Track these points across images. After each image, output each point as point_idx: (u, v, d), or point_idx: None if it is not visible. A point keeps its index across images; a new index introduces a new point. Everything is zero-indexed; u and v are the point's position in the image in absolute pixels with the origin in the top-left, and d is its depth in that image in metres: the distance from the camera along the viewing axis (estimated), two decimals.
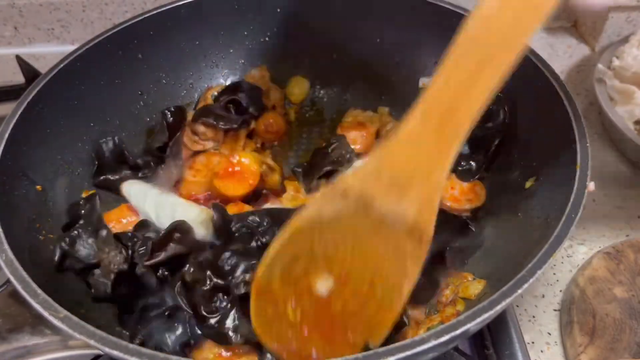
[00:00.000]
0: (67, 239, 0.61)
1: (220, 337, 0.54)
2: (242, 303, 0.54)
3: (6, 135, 0.62)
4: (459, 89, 0.42)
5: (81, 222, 0.63)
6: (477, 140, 0.70)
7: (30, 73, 0.94)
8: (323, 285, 0.47)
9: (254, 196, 0.74)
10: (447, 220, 0.62)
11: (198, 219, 0.63)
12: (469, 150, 0.71)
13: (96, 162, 0.74)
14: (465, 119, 0.42)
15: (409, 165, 0.44)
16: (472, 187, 0.71)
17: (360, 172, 0.45)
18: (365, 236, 0.46)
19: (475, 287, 0.60)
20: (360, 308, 0.47)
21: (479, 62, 0.42)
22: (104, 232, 0.61)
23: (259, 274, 0.48)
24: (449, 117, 0.42)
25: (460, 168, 0.71)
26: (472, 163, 0.71)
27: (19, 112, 0.65)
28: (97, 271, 0.59)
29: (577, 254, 0.74)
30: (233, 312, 0.54)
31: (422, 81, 0.84)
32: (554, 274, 0.72)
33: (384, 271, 0.46)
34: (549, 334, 0.66)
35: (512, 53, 0.41)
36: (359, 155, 0.77)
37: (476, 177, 0.71)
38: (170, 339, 0.55)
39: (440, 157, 0.43)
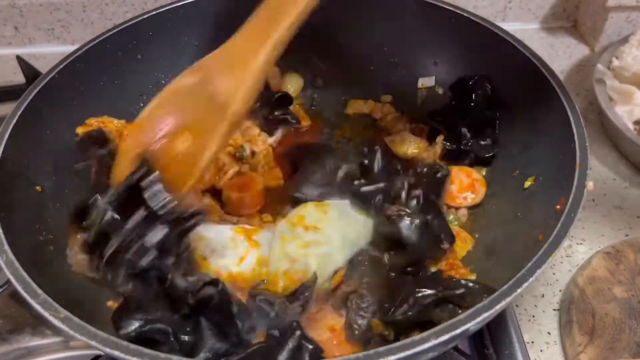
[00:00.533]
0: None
1: None
2: None
3: (6, 135, 0.62)
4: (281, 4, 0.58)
5: None
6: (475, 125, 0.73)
7: (30, 73, 0.94)
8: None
9: None
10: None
11: None
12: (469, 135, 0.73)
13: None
14: (283, 22, 0.57)
15: (238, 51, 0.59)
16: (472, 183, 0.72)
17: (212, 55, 0.60)
18: (200, 105, 0.59)
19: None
20: (191, 154, 0.60)
21: None
22: None
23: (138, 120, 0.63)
24: (272, 20, 0.57)
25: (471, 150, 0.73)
26: (482, 142, 0.73)
27: (19, 112, 0.65)
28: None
29: (577, 253, 0.74)
30: None
31: (421, 81, 0.84)
32: (554, 273, 0.72)
33: (205, 130, 0.59)
34: (549, 333, 0.66)
35: None
36: None
37: (492, 153, 0.73)
38: None
39: (259, 45, 0.57)
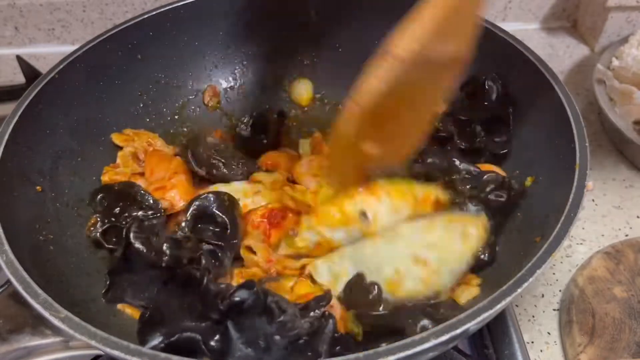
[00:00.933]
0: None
1: None
2: None
3: (6, 136, 0.62)
4: None
5: None
6: (488, 123, 0.72)
7: (30, 73, 0.94)
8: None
9: None
10: None
11: None
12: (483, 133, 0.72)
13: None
14: None
15: (447, 20, 0.53)
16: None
17: (405, 40, 0.54)
18: (431, 73, 0.56)
19: (469, 292, 0.60)
20: (417, 117, 0.61)
21: None
22: None
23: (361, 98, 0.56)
24: None
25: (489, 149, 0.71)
26: (496, 139, 0.72)
27: (19, 112, 0.65)
28: None
29: (577, 253, 0.74)
30: None
31: None
32: (554, 273, 0.72)
33: (436, 90, 0.59)
34: (549, 333, 0.66)
35: None
36: None
37: (507, 149, 0.71)
38: None
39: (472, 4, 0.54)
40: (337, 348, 0.53)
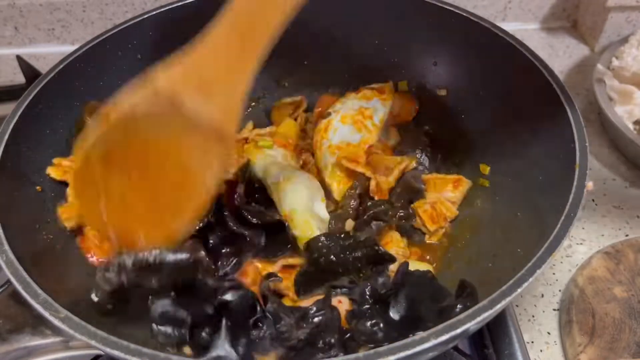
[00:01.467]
0: None
1: None
2: None
3: (6, 136, 0.62)
4: (259, 6, 0.48)
5: None
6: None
7: (30, 73, 0.94)
8: (135, 174, 0.51)
9: None
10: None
11: None
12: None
13: None
14: (264, 35, 0.48)
15: (214, 71, 0.48)
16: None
17: (170, 73, 0.49)
18: (175, 133, 0.49)
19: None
20: (171, 194, 0.52)
21: None
22: None
23: (76, 159, 0.51)
24: (250, 31, 0.48)
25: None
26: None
27: (19, 112, 0.65)
28: None
29: (577, 253, 0.74)
30: None
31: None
32: (554, 273, 0.72)
33: (191, 164, 0.51)
34: (549, 333, 0.66)
35: None
36: None
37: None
38: None
39: (243, 65, 0.48)
40: (347, 336, 0.54)
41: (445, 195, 0.72)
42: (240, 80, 0.49)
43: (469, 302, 0.51)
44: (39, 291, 0.49)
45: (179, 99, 0.47)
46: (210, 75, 0.48)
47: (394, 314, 0.56)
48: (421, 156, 0.77)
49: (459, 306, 0.51)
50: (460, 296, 0.55)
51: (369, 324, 0.54)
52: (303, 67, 0.88)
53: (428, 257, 0.69)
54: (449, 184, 0.73)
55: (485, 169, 0.73)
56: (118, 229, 0.53)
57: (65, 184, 0.68)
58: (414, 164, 0.75)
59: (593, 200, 0.80)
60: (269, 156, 0.75)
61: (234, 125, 0.50)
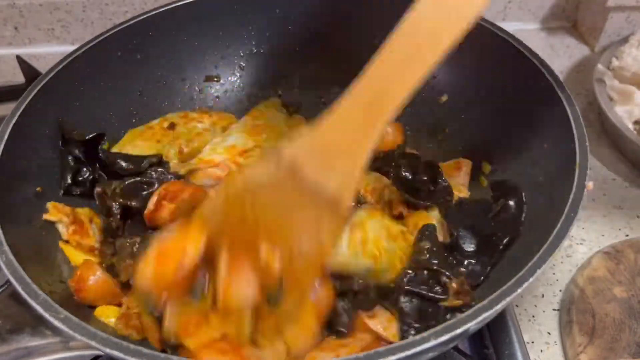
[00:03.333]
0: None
1: None
2: None
3: (6, 136, 0.62)
4: (388, 78, 0.48)
5: None
6: (485, 239, 0.61)
7: (30, 73, 0.94)
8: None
9: None
10: None
11: None
12: (474, 248, 0.62)
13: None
14: (390, 106, 0.47)
15: (337, 141, 0.48)
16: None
17: (294, 142, 0.49)
18: (291, 203, 0.49)
19: None
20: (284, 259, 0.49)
21: (408, 56, 0.48)
22: None
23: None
24: (377, 102, 0.47)
25: (464, 269, 0.60)
26: (477, 266, 0.61)
27: (19, 112, 0.65)
28: None
29: (577, 253, 0.74)
30: None
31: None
32: (554, 273, 0.72)
33: (303, 242, 0.49)
34: (549, 333, 0.66)
35: (438, 51, 0.47)
36: None
37: (482, 278, 0.60)
38: None
39: (365, 136, 0.48)
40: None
41: (451, 180, 0.72)
42: (361, 152, 0.48)
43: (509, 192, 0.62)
44: (39, 291, 0.49)
45: (298, 166, 0.48)
46: (334, 148, 0.48)
47: (468, 248, 0.60)
48: None
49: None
50: (498, 196, 0.64)
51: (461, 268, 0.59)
52: (299, 69, 0.88)
53: None
54: (451, 169, 0.74)
55: (487, 168, 0.73)
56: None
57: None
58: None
59: (593, 200, 0.80)
60: None
61: (349, 194, 0.49)
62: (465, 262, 0.60)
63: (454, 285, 0.56)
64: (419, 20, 0.48)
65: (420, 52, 0.47)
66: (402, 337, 0.53)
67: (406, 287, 0.56)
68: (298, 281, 0.50)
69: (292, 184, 0.48)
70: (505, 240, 0.60)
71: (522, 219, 0.61)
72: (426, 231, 0.61)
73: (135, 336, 0.56)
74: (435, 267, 0.57)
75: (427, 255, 0.58)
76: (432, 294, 0.56)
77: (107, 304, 0.59)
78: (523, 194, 0.62)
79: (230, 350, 0.50)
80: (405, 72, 0.47)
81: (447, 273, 0.57)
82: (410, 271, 0.57)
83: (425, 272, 0.57)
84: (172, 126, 0.77)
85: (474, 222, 0.63)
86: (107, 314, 0.58)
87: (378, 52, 0.49)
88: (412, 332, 0.54)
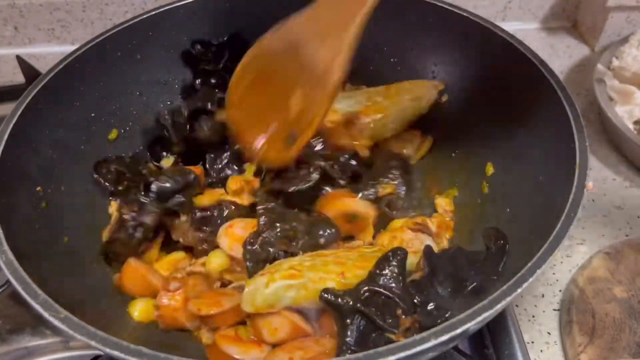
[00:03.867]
0: None
1: None
2: None
3: (6, 135, 0.62)
4: None
5: None
6: (459, 285, 0.57)
7: (30, 73, 0.94)
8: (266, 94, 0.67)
9: None
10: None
11: None
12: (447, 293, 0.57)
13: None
14: None
15: (329, 20, 0.59)
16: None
17: (297, 21, 0.62)
18: (298, 66, 0.62)
19: None
20: (288, 115, 0.65)
21: None
22: None
23: (234, 75, 0.68)
24: None
25: (422, 308, 0.55)
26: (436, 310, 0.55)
27: (19, 112, 0.65)
28: None
29: (577, 253, 0.74)
30: None
31: None
32: (554, 273, 0.72)
33: (303, 94, 0.63)
34: (549, 333, 0.66)
35: None
36: None
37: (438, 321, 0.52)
38: None
39: (352, 17, 0.58)
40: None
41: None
42: (348, 27, 0.58)
43: (502, 241, 0.59)
44: (39, 291, 0.49)
45: (302, 41, 0.61)
46: (325, 24, 0.59)
47: (442, 292, 0.57)
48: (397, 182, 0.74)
49: (494, 248, 0.59)
50: (491, 246, 0.60)
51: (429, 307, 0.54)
52: None
53: None
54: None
55: (489, 170, 0.73)
56: (247, 130, 0.69)
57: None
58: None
59: (593, 200, 0.80)
60: None
61: (340, 64, 0.59)
62: (430, 304, 0.54)
63: (407, 321, 0.53)
64: None
65: None
66: (337, 355, 0.53)
67: (358, 306, 0.52)
68: (304, 126, 0.65)
69: (296, 55, 0.61)
70: (472, 285, 0.55)
71: (500, 268, 0.57)
72: (398, 253, 0.57)
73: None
74: (392, 295, 0.53)
75: (389, 279, 0.55)
76: (382, 323, 0.52)
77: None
78: (507, 246, 0.59)
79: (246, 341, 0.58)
80: None
81: (404, 306, 0.53)
82: (367, 289, 0.54)
83: (382, 297, 0.53)
84: None
85: (456, 270, 0.58)
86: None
87: None
88: (348, 353, 0.51)
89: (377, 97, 0.80)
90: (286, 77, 0.63)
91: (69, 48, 0.77)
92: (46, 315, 0.47)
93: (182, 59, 0.83)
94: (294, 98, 0.63)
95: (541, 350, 0.65)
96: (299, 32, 0.61)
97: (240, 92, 0.68)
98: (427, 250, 0.59)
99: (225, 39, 0.83)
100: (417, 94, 0.79)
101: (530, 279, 0.47)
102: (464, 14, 0.76)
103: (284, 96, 0.64)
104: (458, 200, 0.74)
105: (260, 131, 0.67)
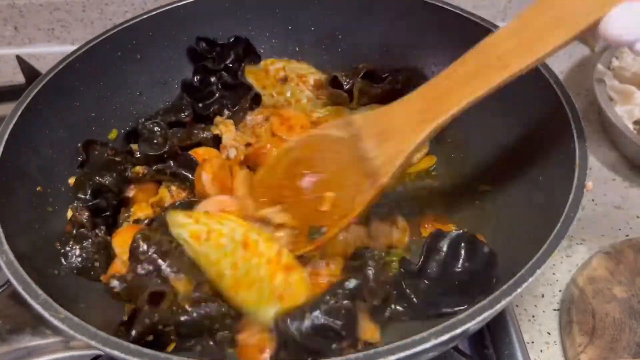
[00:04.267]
0: None
1: None
2: None
3: (6, 136, 0.62)
4: (453, 85, 0.54)
5: None
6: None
7: (30, 73, 0.94)
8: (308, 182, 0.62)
9: None
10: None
11: None
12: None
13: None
14: (445, 112, 0.53)
15: (394, 125, 0.56)
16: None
17: (365, 115, 0.59)
18: (345, 162, 0.59)
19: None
20: (324, 205, 0.61)
21: (476, 70, 0.53)
22: None
23: (268, 161, 0.65)
24: (436, 105, 0.54)
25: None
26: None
27: (19, 112, 0.65)
28: None
29: (577, 253, 0.74)
30: None
31: None
32: (554, 273, 0.72)
33: (345, 188, 0.59)
34: (549, 333, 0.66)
35: (504, 74, 0.52)
36: None
37: None
38: None
39: (417, 129, 0.54)
40: None
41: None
42: (409, 142, 0.55)
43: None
44: (39, 291, 0.49)
45: (361, 136, 0.57)
46: (390, 131, 0.56)
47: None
48: None
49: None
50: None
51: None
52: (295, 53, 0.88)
53: None
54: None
55: (489, 170, 0.73)
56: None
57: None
58: None
59: (593, 200, 0.80)
60: None
61: (389, 172, 0.55)
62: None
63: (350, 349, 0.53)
64: (494, 42, 0.54)
65: (488, 69, 0.52)
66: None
67: (320, 315, 0.52)
68: (334, 224, 0.60)
69: (350, 147, 0.58)
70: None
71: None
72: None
73: None
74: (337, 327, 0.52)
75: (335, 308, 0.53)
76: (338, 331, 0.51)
77: None
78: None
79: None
80: (466, 86, 0.53)
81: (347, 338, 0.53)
82: (330, 299, 0.53)
83: (343, 311, 0.53)
84: (284, 79, 0.82)
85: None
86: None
87: (453, 63, 0.55)
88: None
89: None
90: (330, 169, 0.60)
91: (69, 48, 0.77)
92: (46, 315, 0.47)
93: (187, 54, 0.83)
94: (331, 192, 0.60)
95: (541, 351, 0.65)
96: (363, 125, 0.58)
97: (274, 173, 0.64)
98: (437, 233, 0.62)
99: (231, 40, 0.83)
100: None
101: (530, 279, 0.47)
102: (464, 14, 0.76)
103: (320, 188, 0.61)
104: (457, 200, 0.74)
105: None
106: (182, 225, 0.60)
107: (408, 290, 0.59)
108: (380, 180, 0.56)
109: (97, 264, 0.64)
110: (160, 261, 0.59)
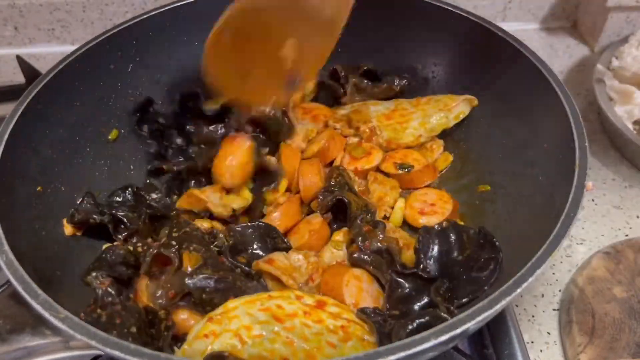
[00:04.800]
0: None
1: None
2: None
3: (6, 136, 0.62)
4: None
5: None
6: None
7: (30, 73, 0.94)
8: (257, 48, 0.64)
9: None
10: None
11: None
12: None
13: None
14: None
15: None
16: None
17: None
18: (295, 17, 0.62)
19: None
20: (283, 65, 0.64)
21: None
22: None
23: (211, 35, 0.63)
24: None
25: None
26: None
27: (19, 112, 0.65)
28: None
29: (577, 253, 0.74)
30: None
31: None
32: (553, 273, 0.72)
33: (306, 44, 0.63)
34: (548, 333, 0.66)
35: None
36: None
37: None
38: None
39: None
40: None
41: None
42: None
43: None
44: (39, 291, 0.49)
45: None
46: None
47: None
48: None
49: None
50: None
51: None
52: None
53: None
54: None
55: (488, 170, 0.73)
56: (241, 89, 0.67)
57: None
58: None
59: (593, 200, 0.80)
60: None
61: (343, 17, 0.61)
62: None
63: None
64: None
65: None
66: None
67: None
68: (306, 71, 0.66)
69: (292, 5, 0.61)
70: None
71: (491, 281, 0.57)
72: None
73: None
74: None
75: None
76: None
77: None
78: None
79: None
80: None
81: None
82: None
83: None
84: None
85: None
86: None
87: None
88: None
89: (406, 104, 0.81)
90: (279, 28, 0.62)
91: (69, 48, 0.77)
92: (46, 315, 0.47)
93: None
94: (290, 47, 0.63)
95: (541, 350, 0.65)
96: None
97: (221, 49, 0.63)
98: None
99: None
100: (448, 105, 0.78)
101: (530, 279, 0.47)
102: (464, 14, 0.76)
103: (276, 47, 0.63)
104: (457, 200, 0.74)
105: (253, 83, 0.67)
106: (206, 347, 0.52)
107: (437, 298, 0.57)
108: (336, 27, 0.61)
109: None
110: None
